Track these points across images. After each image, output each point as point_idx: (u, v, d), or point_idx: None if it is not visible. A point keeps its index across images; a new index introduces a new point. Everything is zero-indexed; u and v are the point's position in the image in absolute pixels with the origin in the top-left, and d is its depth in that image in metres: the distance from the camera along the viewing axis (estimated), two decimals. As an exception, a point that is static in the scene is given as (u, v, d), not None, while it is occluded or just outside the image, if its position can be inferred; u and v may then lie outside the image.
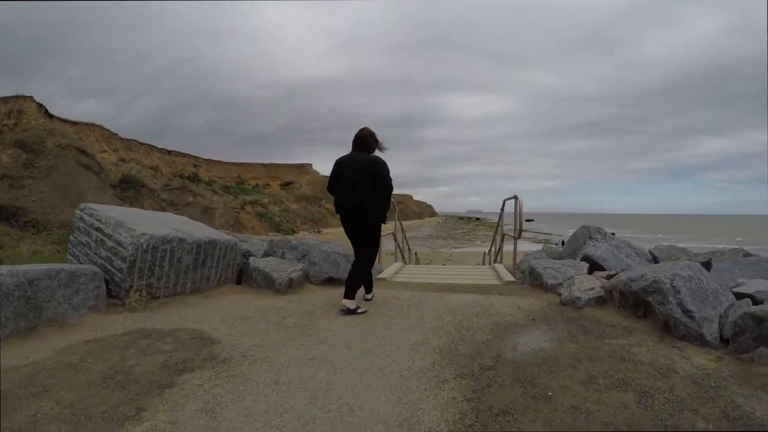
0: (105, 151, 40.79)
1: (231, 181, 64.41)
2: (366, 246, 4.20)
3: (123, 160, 40.78)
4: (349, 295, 4.01)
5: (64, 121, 37.92)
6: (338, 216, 4.18)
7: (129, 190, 24.54)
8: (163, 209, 25.14)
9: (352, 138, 4.19)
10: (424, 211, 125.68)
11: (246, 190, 57.18)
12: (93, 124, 42.90)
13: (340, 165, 4.14)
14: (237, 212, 32.78)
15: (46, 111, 35.66)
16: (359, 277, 4.15)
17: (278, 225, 39.13)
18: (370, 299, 4.41)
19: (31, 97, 34.37)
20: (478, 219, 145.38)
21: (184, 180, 39.06)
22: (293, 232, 37.05)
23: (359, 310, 4.01)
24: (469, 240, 58.96)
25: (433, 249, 46.96)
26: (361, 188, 3.99)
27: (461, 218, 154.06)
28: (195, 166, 60.00)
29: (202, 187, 40.59)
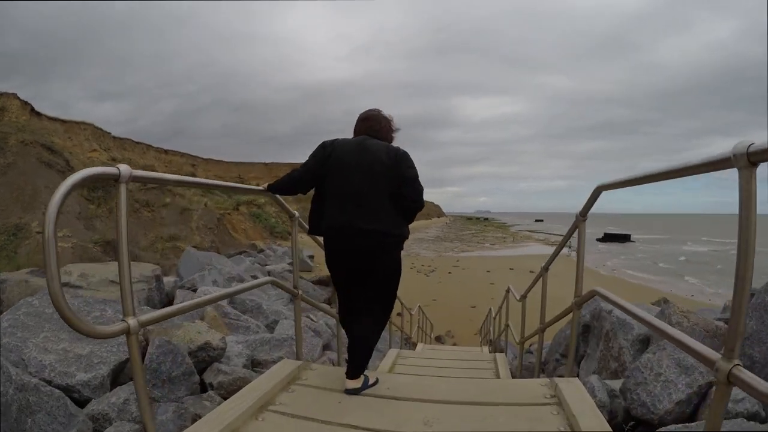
0: (95, 150, 39.66)
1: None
2: (376, 301, 2.57)
3: (114, 159, 39.39)
4: (358, 371, 2.47)
5: (53, 119, 36.93)
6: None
7: (98, 190, 22.60)
8: (136, 210, 23.36)
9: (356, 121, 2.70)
10: (432, 211, 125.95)
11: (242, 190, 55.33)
12: (84, 123, 41.79)
13: (334, 157, 2.49)
14: (223, 214, 30.61)
15: (32, 109, 34.37)
16: (369, 343, 2.59)
17: (273, 227, 36.96)
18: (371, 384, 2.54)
19: (14, 95, 33.07)
20: (486, 219, 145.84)
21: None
22: (289, 235, 34.87)
23: (370, 383, 2.50)
24: (478, 242, 57.05)
25: (439, 253, 45.05)
26: (376, 201, 2.42)
27: (469, 218, 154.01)
28: (193, 165, 58.40)
29: (186, 187, 39.04)
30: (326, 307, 4.00)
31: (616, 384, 2.60)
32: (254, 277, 10.65)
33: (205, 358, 3.10)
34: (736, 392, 2.14)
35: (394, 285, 2.63)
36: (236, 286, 2.39)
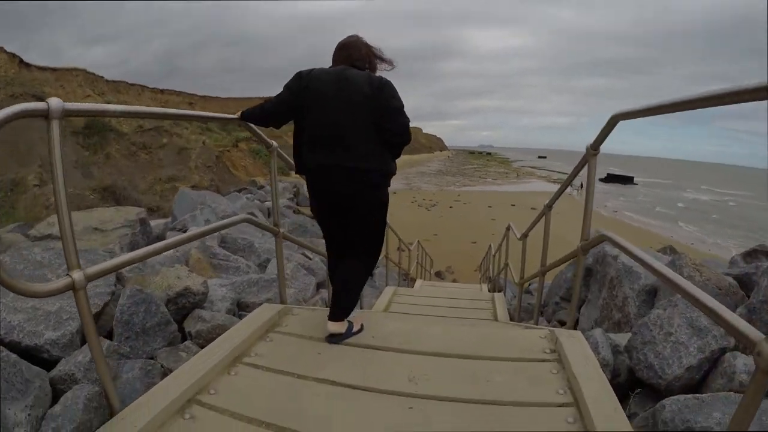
0: (89, 95, 38.94)
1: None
2: (364, 240, 2.44)
3: (109, 103, 38.60)
4: (341, 314, 2.29)
5: (43, 69, 35.70)
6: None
7: (93, 137, 22.14)
8: (133, 153, 23.07)
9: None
10: (434, 144, 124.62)
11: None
12: (75, 69, 40.58)
13: (311, 89, 2.27)
14: (222, 152, 30.21)
15: (21, 60, 33.27)
16: (356, 285, 2.45)
17: (274, 163, 36.70)
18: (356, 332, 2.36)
19: (1, 48, 31.87)
20: (489, 154, 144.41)
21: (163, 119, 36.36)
22: (290, 170, 34.62)
23: (354, 330, 2.33)
24: (480, 177, 56.72)
25: (441, 187, 44.94)
26: (358, 137, 2.23)
27: (472, 152, 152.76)
28: (190, 104, 57.10)
29: (183, 126, 38.67)
30: (310, 245, 3.79)
31: (621, 339, 2.38)
32: (251, 215, 10.46)
33: (185, 304, 2.91)
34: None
35: (381, 224, 2.49)
36: (202, 227, 2.14)
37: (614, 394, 1.51)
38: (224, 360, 1.95)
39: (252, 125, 2.51)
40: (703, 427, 1.60)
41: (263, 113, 2.38)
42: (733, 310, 2.54)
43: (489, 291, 7.84)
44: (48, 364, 2.23)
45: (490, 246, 9.24)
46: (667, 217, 31.60)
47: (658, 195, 46.10)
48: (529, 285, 6.89)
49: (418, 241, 10.33)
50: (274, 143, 2.77)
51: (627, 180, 56.95)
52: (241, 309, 3.63)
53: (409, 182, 48.45)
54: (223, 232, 5.68)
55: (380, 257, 6.84)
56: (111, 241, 4.50)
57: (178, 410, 1.63)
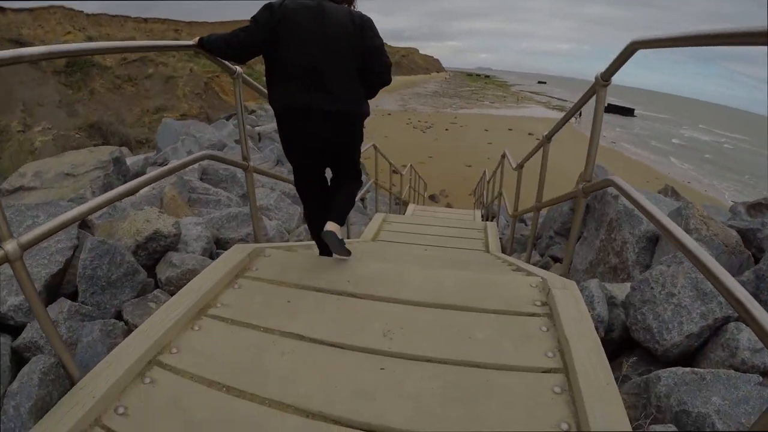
0: (69, 32, 37.19)
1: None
2: (343, 172, 2.43)
3: (90, 38, 37.17)
4: (339, 217, 2.32)
5: (19, 11, 33.77)
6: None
7: (76, 74, 21.15)
8: (119, 87, 22.22)
9: None
10: (431, 66, 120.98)
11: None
12: (53, 7, 38.88)
13: (285, 22, 2.05)
14: (211, 78, 29.11)
15: None
16: (350, 196, 2.44)
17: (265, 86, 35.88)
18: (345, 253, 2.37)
19: None
20: (487, 77, 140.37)
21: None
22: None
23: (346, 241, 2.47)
24: (477, 100, 55.33)
25: (437, 109, 43.94)
26: (337, 77, 2.08)
27: (469, 75, 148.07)
28: (176, 31, 54.21)
29: (169, 54, 37.28)
30: (281, 176, 3.55)
31: (618, 290, 2.17)
32: (239, 142, 10.07)
33: (156, 248, 2.72)
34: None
35: (357, 158, 2.43)
36: (154, 172, 1.89)
37: (608, 363, 1.33)
38: (188, 313, 1.78)
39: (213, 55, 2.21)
40: (700, 414, 1.45)
41: (227, 47, 2.12)
42: (739, 272, 2.37)
43: (482, 219, 7.71)
44: (16, 330, 2.09)
45: (484, 172, 9.01)
46: (661, 152, 31.62)
47: (655, 129, 45.59)
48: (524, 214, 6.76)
49: (411, 165, 10.06)
50: (239, 69, 2.47)
51: (628, 112, 55.65)
52: (219, 246, 3.47)
53: (404, 103, 47.28)
54: (203, 163, 5.41)
55: (369, 183, 6.64)
56: (83, 186, 4.24)
57: (138, 374, 1.50)
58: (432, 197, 15.85)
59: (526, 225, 7.17)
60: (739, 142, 44.64)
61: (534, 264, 3.66)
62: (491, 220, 6.87)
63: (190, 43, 2.12)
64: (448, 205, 14.93)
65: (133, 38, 41.87)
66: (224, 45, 2.11)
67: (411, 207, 8.64)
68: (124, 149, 9.11)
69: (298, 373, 1.49)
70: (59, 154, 5.61)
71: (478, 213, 8.40)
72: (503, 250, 4.46)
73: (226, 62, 2.34)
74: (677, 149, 34.43)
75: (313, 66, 2.04)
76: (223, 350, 1.63)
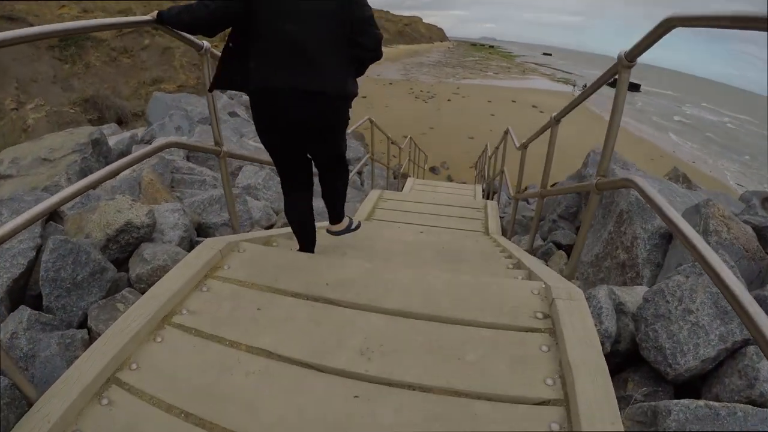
0: (64, 6, 36.03)
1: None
2: (330, 161, 2.27)
3: (86, 11, 36.05)
4: (337, 218, 2.50)
5: None
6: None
7: (70, 48, 20.52)
8: (114, 59, 21.54)
9: None
10: (434, 35, 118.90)
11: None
12: None
13: None
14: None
15: None
16: (341, 194, 2.48)
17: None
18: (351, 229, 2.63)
19: None
20: (491, 47, 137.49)
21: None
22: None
23: (353, 227, 2.61)
24: (481, 70, 54.24)
25: (439, 79, 43.14)
26: (322, 53, 1.84)
27: (473, 45, 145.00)
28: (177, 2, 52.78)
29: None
30: (260, 158, 3.30)
31: (628, 296, 1.94)
32: (231, 114, 9.76)
33: (129, 240, 2.51)
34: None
35: (343, 146, 2.26)
36: (104, 169, 1.66)
37: (615, 399, 1.12)
38: (150, 322, 1.61)
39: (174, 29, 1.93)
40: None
41: (193, 19, 1.84)
42: (758, 279, 2.10)
43: (483, 195, 7.48)
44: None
45: (486, 146, 8.71)
46: (660, 127, 31.13)
47: (658, 105, 44.88)
48: (526, 189, 6.52)
49: (410, 137, 9.76)
50: (206, 44, 2.21)
51: (634, 87, 54.48)
52: (201, 233, 3.28)
53: (406, 72, 46.38)
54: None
55: (365, 157, 6.39)
56: (59, 172, 3.98)
57: (96, 393, 1.37)
58: (432, 169, 15.58)
59: (528, 204, 6.94)
60: (741, 123, 43.97)
61: (536, 249, 3.47)
62: (492, 198, 6.64)
63: (147, 18, 1.84)
64: (449, 178, 14.67)
65: (130, 8, 40.89)
66: (189, 17, 1.83)
67: (410, 181, 8.38)
68: (113, 126, 8.85)
69: (263, 399, 1.32)
70: (47, 134, 5.35)
71: (479, 188, 8.15)
72: (504, 233, 4.25)
73: (191, 36, 2.09)
74: (677, 126, 34.07)
75: (295, 42, 1.81)
76: (185, 367, 1.46)
